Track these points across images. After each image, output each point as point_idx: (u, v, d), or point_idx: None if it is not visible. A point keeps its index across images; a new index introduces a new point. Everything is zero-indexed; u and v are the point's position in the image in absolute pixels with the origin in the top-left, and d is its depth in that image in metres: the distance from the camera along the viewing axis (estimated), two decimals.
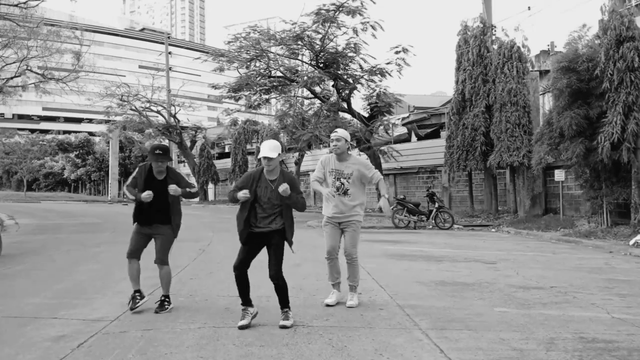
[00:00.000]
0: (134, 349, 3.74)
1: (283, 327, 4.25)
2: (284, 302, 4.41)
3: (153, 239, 5.08)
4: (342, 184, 5.09)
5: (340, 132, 5.17)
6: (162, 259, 5.03)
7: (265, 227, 4.44)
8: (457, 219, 16.48)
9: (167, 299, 4.97)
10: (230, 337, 4.03)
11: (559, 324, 4.43)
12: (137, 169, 5.06)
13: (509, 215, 17.50)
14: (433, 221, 15.55)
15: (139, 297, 4.91)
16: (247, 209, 4.41)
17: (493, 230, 15.06)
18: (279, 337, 4.03)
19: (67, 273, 7.21)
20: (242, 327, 4.22)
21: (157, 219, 4.99)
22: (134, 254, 4.99)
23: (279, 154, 4.38)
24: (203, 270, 7.31)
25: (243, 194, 4.31)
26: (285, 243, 4.50)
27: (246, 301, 4.39)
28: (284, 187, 4.25)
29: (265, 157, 4.34)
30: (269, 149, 4.35)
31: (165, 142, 41.80)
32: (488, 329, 4.26)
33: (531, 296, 5.58)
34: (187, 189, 4.99)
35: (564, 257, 9.12)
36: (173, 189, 4.82)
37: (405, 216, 15.75)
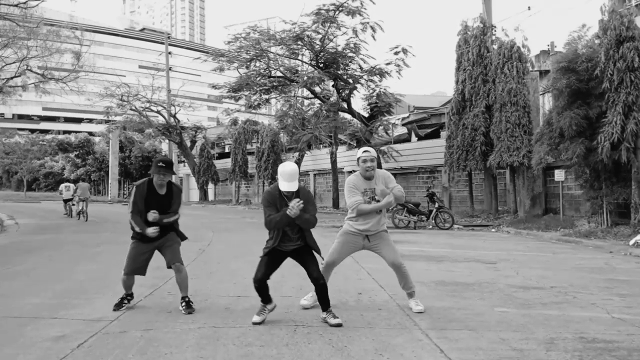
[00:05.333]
0: (134, 349, 3.74)
1: (338, 324, 4.34)
2: (327, 303, 4.48)
3: (157, 250, 5.01)
4: (378, 202, 4.94)
5: (373, 152, 4.96)
6: (178, 259, 4.93)
7: (290, 246, 4.51)
8: (457, 219, 16.47)
9: (190, 299, 4.95)
10: (230, 337, 4.02)
11: (559, 324, 4.43)
12: (134, 191, 4.86)
13: (509, 215, 17.49)
14: (433, 221, 15.54)
15: (127, 301, 4.91)
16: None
17: (493, 230, 15.06)
18: (279, 337, 4.03)
19: (67, 273, 7.21)
20: (255, 323, 4.35)
21: (160, 234, 4.89)
22: (137, 271, 4.91)
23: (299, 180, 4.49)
24: (203, 270, 7.31)
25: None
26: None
27: (266, 299, 4.51)
28: (296, 203, 4.30)
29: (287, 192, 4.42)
30: (289, 180, 4.38)
31: (165, 142, 41.87)
32: (488, 329, 4.26)
33: (531, 296, 5.57)
34: (167, 219, 4.90)
35: (564, 257, 9.12)
36: (152, 216, 4.77)
37: (405, 216, 15.74)
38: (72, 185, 20.25)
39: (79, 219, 18.45)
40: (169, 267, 4.97)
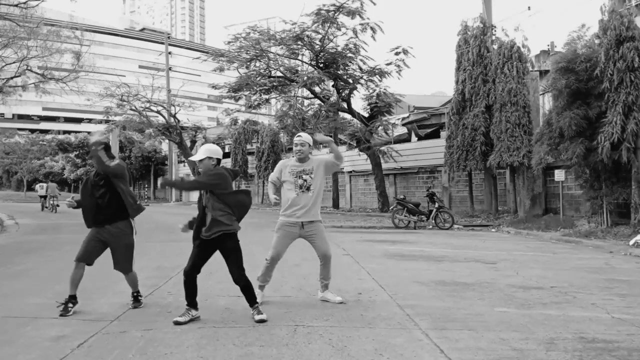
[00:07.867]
0: (134, 349, 3.73)
1: (261, 321, 4.38)
2: (253, 300, 4.54)
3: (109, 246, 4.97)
4: (305, 180, 5.10)
5: (305, 137, 5.17)
6: (125, 268, 4.97)
7: (213, 234, 4.46)
8: (457, 219, 16.48)
9: (139, 294, 5.07)
10: (230, 337, 4.02)
11: (559, 324, 4.43)
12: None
13: (509, 215, 17.49)
14: (433, 221, 15.54)
15: (72, 305, 4.76)
16: (201, 210, 4.55)
17: (493, 230, 15.06)
18: (279, 337, 4.02)
19: (67, 273, 7.16)
20: (177, 323, 4.32)
21: (108, 220, 4.94)
22: (87, 258, 4.93)
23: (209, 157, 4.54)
24: (203, 270, 7.26)
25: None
26: (235, 244, 4.56)
27: (192, 303, 4.50)
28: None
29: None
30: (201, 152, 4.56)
31: (165, 142, 41.85)
32: (488, 329, 4.26)
33: (531, 296, 5.57)
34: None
35: (564, 257, 9.12)
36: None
37: (405, 216, 15.74)
38: (45, 184, 26.86)
39: (51, 211, 23.82)
40: (119, 269, 5.03)
